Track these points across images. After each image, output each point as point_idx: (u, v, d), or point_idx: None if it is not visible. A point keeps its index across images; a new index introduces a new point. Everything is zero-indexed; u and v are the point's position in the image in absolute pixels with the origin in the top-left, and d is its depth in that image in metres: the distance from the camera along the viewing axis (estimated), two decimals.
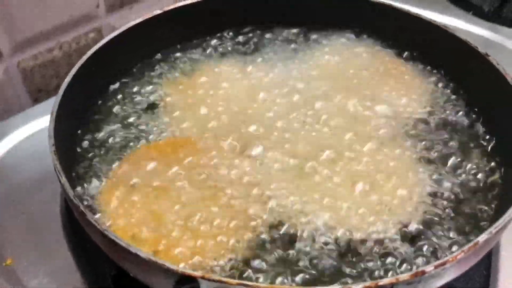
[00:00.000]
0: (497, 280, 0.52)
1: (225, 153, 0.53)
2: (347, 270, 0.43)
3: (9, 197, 0.60)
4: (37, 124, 0.69)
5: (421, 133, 0.56)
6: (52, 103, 0.51)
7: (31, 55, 0.77)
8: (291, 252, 0.45)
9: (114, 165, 0.53)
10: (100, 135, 0.57)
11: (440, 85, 0.62)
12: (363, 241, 0.46)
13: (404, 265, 0.44)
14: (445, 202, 0.49)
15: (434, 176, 0.52)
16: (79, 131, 0.56)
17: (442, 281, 0.39)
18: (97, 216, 0.48)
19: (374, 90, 0.61)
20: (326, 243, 0.45)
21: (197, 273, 0.35)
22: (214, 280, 0.34)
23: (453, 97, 0.61)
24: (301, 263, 0.44)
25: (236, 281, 0.34)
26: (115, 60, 0.61)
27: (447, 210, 0.48)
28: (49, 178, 0.61)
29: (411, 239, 0.46)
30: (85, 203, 0.50)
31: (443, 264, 0.36)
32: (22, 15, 0.73)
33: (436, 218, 0.48)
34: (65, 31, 0.79)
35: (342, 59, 0.66)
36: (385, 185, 0.50)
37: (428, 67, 0.64)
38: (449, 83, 0.62)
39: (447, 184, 0.51)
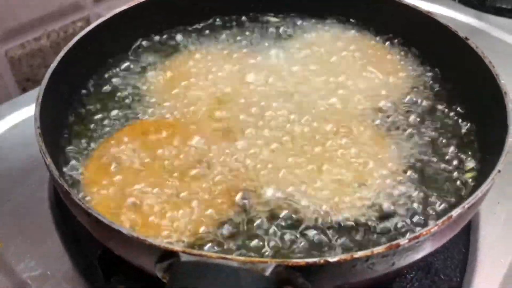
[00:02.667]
0: (475, 258, 0.53)
1: (207, 135, 0.54)
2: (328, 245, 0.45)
3: None
4: (24, 113, 0.70)
5: (401, 117, 0.57)
6: None
7: (18, 44, 0.77)
8: (266, 228, 0.46)
9: (100, 146, 0.54)
10: (87, 119, 0.57)
11: (421, 68, 0.63)
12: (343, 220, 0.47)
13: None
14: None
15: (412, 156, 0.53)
16: (65, 115, 0.57)
17: (419, 255, 0.40)
18: (81, 195, 0.49)
19: (357, 74, 0.62)
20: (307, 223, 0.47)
21: (179, 248, 0.36)
22: (195, 254, 0.35)
23: (434, 80, 0.61)
24: (275, 239, 0.46)
25: (216, 254, 0.35)
26: (102, 46, 0.62)
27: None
28: (37, 165, 0.61)
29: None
30: (72, 185, 0.50)
31: (417, 237, 0.38)
32: (9, 4, 0.73)
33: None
34: (53, 20, 0.80)
35: (326, 44, 0.66)
36: (365, 166, 0.52)
37: (410, 52, 0.65)
38: (431, 67, 0.63)
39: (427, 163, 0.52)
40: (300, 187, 0.49)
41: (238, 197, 0.48)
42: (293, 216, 0.47)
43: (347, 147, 0.53)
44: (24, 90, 0.81)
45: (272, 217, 0.47)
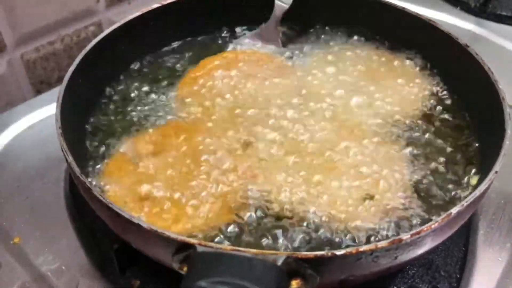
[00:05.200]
0: (474, 256, 0.55)
1: (223, 138, 0.56)
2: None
3: (14, 182, 0.63)
4: (39, 114, 0.72)
5: (401, 125, 0.59)
6: (53, 94, 0.54)
7: (33, 47, 0.80)
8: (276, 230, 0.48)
9: (116, 146, 0.56)
10: (103, 121, 0.60)
11: (422, 74, 0.65)
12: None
13: None
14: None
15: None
16: (82, 114, 0.59)
17: (420, 250, 0.43)
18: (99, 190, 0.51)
19: (360, 81, 0.64)
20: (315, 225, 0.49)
21: (195, 240, 0.38)
22: (211, 247, 0.37)
23: (434, 85, 0.64)
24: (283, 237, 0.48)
25: (230, 247, 0.37)
26: (120, 49, 0.64)
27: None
28: (52, 164, 0.64)
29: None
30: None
31: (419, 233, 0.40)
32: (25, 10, 0.76)
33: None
34: (66, 25, 0.82)
35: (330, 52, 0.68)
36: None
37: (411, 58, 0.67)
38: (431, 72, 0.65)
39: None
40: (310, 195, 0.51)
41: (247, 199, 0.50)
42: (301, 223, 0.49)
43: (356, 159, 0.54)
44: (38, 92, 0.83)
45: (278, 219, 0.49)
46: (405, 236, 0.39)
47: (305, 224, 0.48)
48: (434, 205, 0.51)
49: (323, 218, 0.49)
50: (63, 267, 0.54)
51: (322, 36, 0.71)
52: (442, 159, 0.55)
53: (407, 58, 0.67)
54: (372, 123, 0.59)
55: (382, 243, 0.39)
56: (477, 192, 0.43)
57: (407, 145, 0.56)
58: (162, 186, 0.51)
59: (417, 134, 0.58)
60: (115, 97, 0.63)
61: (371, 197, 0.50)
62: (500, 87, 0.53)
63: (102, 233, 0.55)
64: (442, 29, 0.63)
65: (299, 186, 0.51)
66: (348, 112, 0.60)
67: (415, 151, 0.55)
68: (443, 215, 0.41)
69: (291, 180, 0.52)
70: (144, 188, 0.51)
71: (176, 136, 0.56)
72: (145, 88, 0.64)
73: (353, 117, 0.59)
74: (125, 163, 0.54)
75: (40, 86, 0.84)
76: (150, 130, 0.58)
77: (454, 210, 0.41)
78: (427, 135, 0.58)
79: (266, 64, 0.66)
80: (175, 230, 0.47)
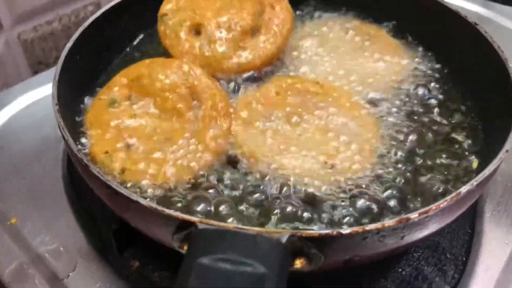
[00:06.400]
0: (480, 239, 0.54)
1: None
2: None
3: (11, 162, 0.62)
4: (36, 94, 0.71)
5: (403, 101, 0.57)
6: (51, 74, 0.52)
7: (31, 27, 0.78)
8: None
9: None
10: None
11: (430, 53, 0.63)
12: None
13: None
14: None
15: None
16: (79, 92, 0.57)
17: (427, 231, 0.41)
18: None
19: (361, 59, 0.62)
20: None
21: (195, 218, 0.37)
22: (212, 224, 0.36)
23: (441, 65, 0.62)
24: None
25: (233, 225, 0.36)
26: (117, 27, 0.63)
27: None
28: (49, 145, 0.63)
29: None
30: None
31: (427, 212, 0.39)
32: None
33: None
34: (65, 4, 0.81)
35: (333, 32, 0.67)
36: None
37: (417, 38, 0.65)
38: (439, 52, 0.63)
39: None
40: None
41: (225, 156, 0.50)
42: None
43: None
44: (36, 73, 0.82)
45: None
46: (413, 215, 0.38)
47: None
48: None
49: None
50: (61, 248, 0.54)
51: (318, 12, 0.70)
52: (442, 136, 0.54)
53: (411, 37, 0.65)
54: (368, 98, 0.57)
55: (389, 222, 0.38)
56: (486, 172, 0.42)
57: (402, 120, 0.55)
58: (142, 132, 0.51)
59: (417, 110, 0.56)
60: (113, 72, 0.61)
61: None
62: (511, 65, 0.52)
63: (101, 213, 0.54)
64: (451, 8, 0.61)
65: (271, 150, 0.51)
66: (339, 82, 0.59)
67: (410, 127, 0.54)
68: (452, 194, 0.40)
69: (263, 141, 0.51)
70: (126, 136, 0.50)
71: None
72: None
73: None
74: (107, 105, 0.53)
75: (38, 67, 0.82)
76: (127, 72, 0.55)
77: (464, 189, 0.40)
78: (427, 112, 0.56)
79: None
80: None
